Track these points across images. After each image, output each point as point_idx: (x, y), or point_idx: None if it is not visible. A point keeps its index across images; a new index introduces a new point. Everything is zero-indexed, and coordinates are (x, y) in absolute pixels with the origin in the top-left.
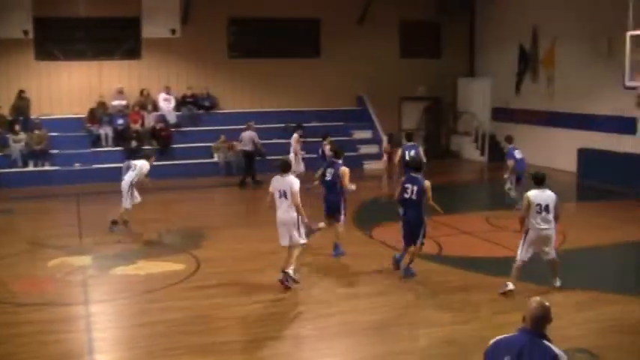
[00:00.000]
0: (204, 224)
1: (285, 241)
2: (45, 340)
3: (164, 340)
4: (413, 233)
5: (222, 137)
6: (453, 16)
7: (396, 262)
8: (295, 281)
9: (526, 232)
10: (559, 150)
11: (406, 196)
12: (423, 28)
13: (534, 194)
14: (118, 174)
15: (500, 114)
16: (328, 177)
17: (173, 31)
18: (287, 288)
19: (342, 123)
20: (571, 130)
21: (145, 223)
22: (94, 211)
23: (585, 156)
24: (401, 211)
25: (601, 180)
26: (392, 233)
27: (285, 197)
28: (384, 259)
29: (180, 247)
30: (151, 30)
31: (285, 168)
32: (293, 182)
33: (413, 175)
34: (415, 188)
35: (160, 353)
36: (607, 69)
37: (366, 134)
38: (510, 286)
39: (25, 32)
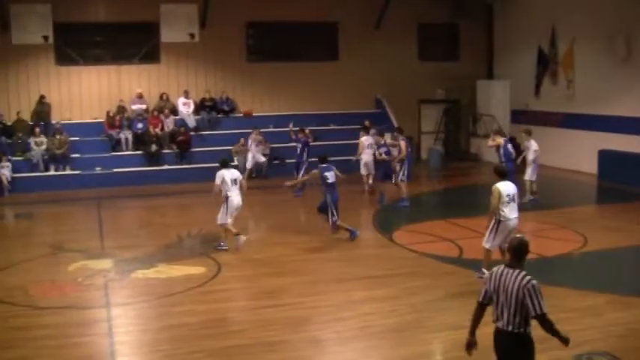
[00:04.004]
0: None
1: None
2: (66, 343)
3: (184, 344)
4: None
5: (242, 141)
6: (471, 19)
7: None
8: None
9: (497, 223)
10: (579, 152)
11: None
12: (440, 31)
13: (503, 186)
14: (137, 178)
15: (520, 116)
16: (331, 179)
17: (192, 36)
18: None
19: (360, 126)
20: (591, 131)
21: (165, 227)
22: (115, 215)
23: (606, 157)
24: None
25: (621, 182)
26: (412, 236)
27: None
28: (404, 262)
29: (200, 250)
30: (169, 34)
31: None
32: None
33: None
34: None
35: (181, 357)
36: (627, 69)
37: (386, 137)
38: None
39: (46, 38)
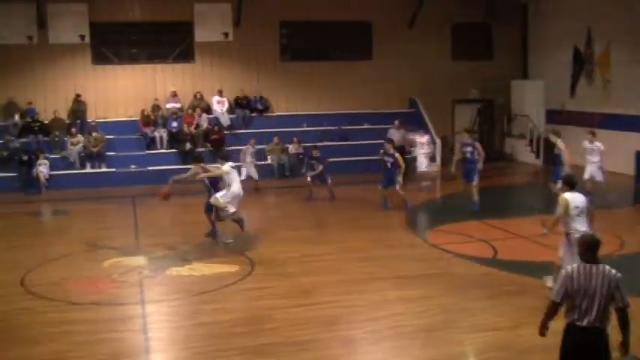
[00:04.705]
0: (257, 226)
1: None
2: (101, 338)
3: (218, 341)
4: None
5: (275, 139)
6: (504, 18)
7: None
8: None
9: (567, 236)
10: (616, 152)
11: None
12: (474, 30)
13: (572, 197)
14: (172, 176)
15: (555, 116)
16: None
17: (226, 35)
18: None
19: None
20: (629, 132)
21: (199, 225)
22: (149, 213)
23: None
24: None
25: None
26: (446, 237)
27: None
28: (437, 262)
29: (234, 249)
30: (203, 33)
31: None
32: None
33: None
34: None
35: (214, 354)
36: None
37: (420, 137)
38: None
39: (82, 37)
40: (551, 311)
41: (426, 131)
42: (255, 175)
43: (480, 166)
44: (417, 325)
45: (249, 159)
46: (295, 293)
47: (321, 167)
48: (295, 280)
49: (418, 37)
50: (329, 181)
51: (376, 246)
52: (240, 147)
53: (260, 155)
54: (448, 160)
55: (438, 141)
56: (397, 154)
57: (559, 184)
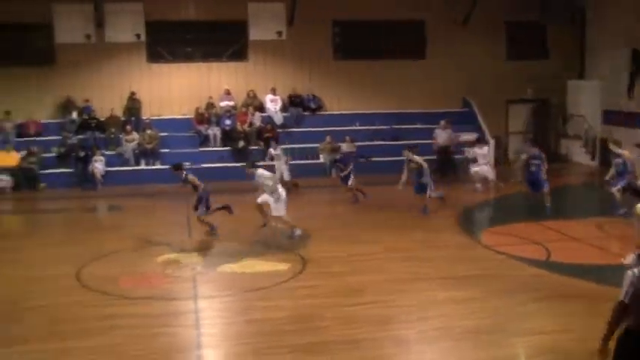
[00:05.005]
0: (309, 225)
1: None
2: (154, 333)
3: (269, 338)
4: None
5: (328, 138)
6: (559, 17)
7: None
8: None
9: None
10: None
11: None
12: (529, 29)
13: None
14: (225, 173)
15: (612, 117)
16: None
17: (279, 33)
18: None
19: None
20: None
21: (251, 222)
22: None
23: None
24: None
25: None
26: (499, 238)
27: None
28: (488, 263)
29: (286, 247)
30: (257, 32)
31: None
32: None
33: None
34: None
35: (266, 351)
36: None
37: (473, 137)
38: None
39: (138, 35)
40: (620, 313)
41: (479, 131)
42: (286, 175)
43: (544, 176)
44: (465, 327)
45: (280, 159)
46: (345, 292)
47: (348, 168)
48: (345, 279)
49: (472, 35)
50: (350, 183)
51: (425, 246)
52: (292, 145)
53: (312, 154)
54: (503, 162)
55: (492, 141)
56: (417, 158)
57: (618, 190)
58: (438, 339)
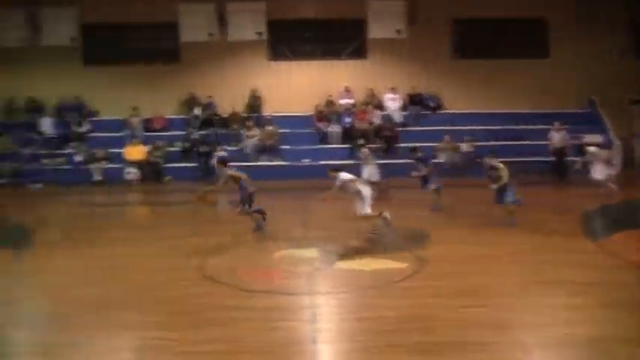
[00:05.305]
0: (428, 224)
1: None
2: (272, 326)
3: (383, 337)
4: None
5: (447, 138)
6: None
7: None
8: None
9: None
10: None
11: None
12: None
13: None
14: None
15: None
16: None
17: (398, 32)
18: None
19: (569, 126)
20: None
21: (370, 221)
22: (321, 206)
23: None
24: None
25: None
26: (625, 244)
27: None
28: (611, 270)
29: (405, 245)
30: (376, 30)
31: None
32: None
33: None
34: None
35: (380, 349)
36: None
37: (597, 138)
38: None
39: (259, 34)
40: None
41: (604, 133)
42: (375, 177)
43: None
44: (586, 335)
45: (369, 161)
46: (462, 293)
47: (425, 169)
48: (463, 281)
49: (597, 33)
50: (431, 186)
51: (545, 250)
52: (412, 144)
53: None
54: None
55: (617, 143)
56: (498, 164)
57: None
58: (559, 346)
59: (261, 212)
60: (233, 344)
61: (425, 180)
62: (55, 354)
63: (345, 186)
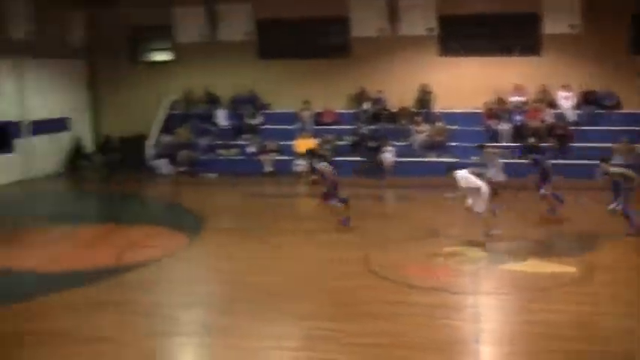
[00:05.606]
0: (600, 228)
1: None
2: (436, 324)
3: (543, 342)
4: None
5: (625, 139)
6: None
7: None
8: None
9: None
10: None
11: None
12: None
13: None
14: (514, 170)
15: None
16: None
17: (572, 27)
18: None
19: None
20: None
21: (539, 222)
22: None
23: None
24: None
25: None
26: None
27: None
28: None
29: (574, 249)
30: (551, 26)
31: None
32: None
33: None
34: None
35: (539, 355)
36: None
37: None
38: None
39: (430, 29)
40: None
41: None
42: (499, 177)
43: None
44: None
45: (492, 158)
46: (631, 303)
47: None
48: (632, 290)
49: None
50: (542, 191)
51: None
52: (586, 144)
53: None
54: None
55: None
56: (621, 170)
57: None
58: None
59: (344, 201)
60: (397, 338)
61: (539, 182)
62: (234, 335)
63: (466, 182)
